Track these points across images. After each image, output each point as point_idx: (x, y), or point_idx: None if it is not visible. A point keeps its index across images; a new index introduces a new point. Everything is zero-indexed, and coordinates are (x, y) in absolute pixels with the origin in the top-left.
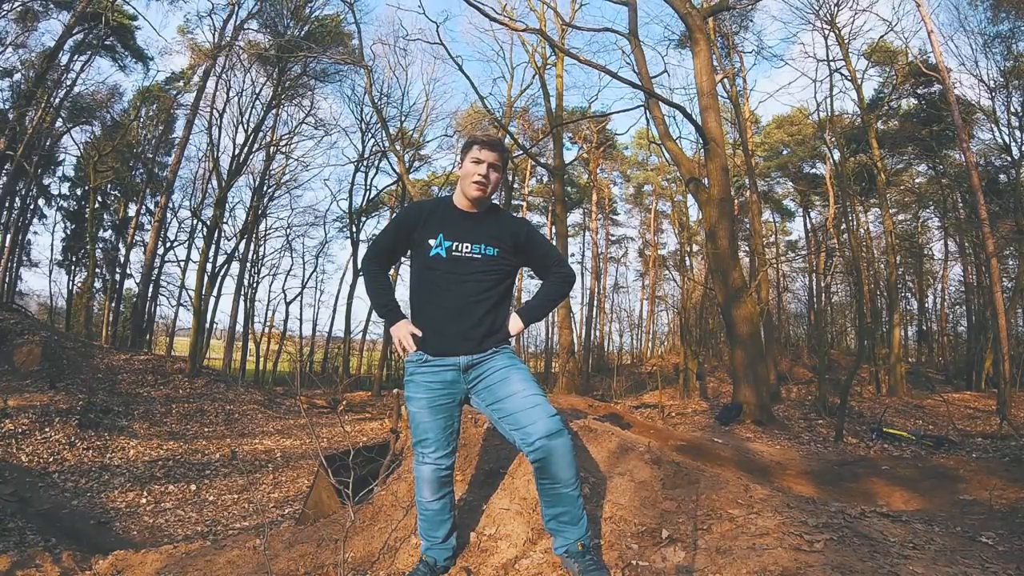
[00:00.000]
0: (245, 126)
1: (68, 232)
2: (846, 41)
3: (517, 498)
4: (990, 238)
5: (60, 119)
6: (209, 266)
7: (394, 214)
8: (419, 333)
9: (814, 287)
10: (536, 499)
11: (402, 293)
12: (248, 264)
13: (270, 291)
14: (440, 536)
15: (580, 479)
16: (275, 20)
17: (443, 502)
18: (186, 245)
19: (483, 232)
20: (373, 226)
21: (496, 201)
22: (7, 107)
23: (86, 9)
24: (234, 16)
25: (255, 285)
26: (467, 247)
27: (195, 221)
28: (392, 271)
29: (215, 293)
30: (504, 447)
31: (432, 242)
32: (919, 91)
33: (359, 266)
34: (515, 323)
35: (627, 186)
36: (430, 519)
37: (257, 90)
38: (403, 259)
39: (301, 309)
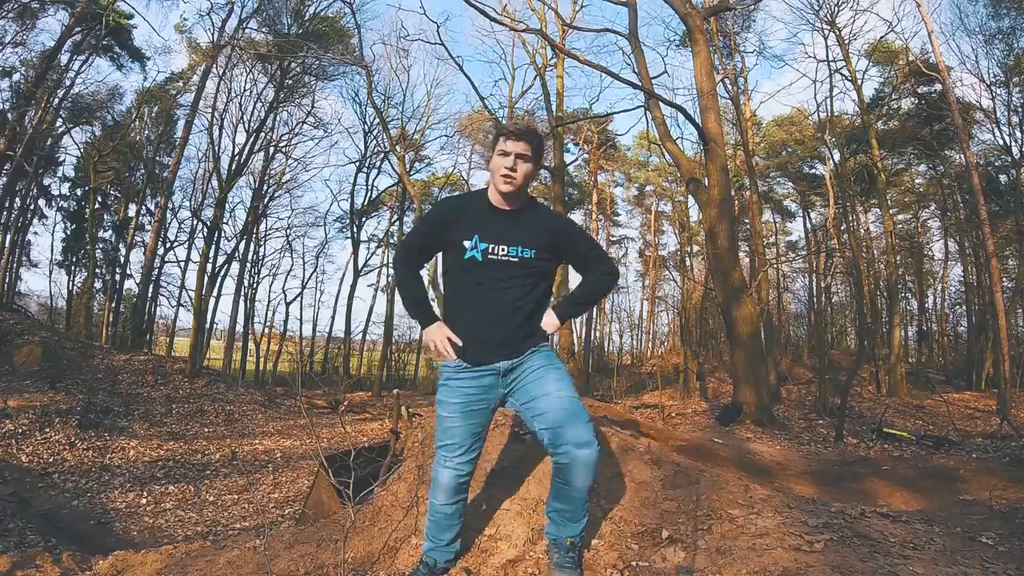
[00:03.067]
0: (246, 126)
1: (68, 232)
2: (846, 41)
3: (517, 498)
4: (990, 238)
5: (60, 119)
6: (209, 266)
7: (394, 213)
8: (457, 341)
9: (814, 287)
10: (537, 499)
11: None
12: (248, 264)
13: (270, 291)
14: (446, 539)
15: (593, 488)
16: (274, 19)
17: (456, 507)
18: (186, 245)
19: (520, 232)
20: (373, 227)
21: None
22: (7, 107)
23: (86, 9)
24: (233, 15)
25: (255, 285)
26: (503, 249)
27: (195, 221)
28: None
29: (215, 293)
30: (505, 447)
31: (467, 243)
32: (919, 91)
33: (359, 267)
34: (550, 320)
35: (628, 186)
36: (439, 522)
37: (259, 90)
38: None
39: (301, 309)
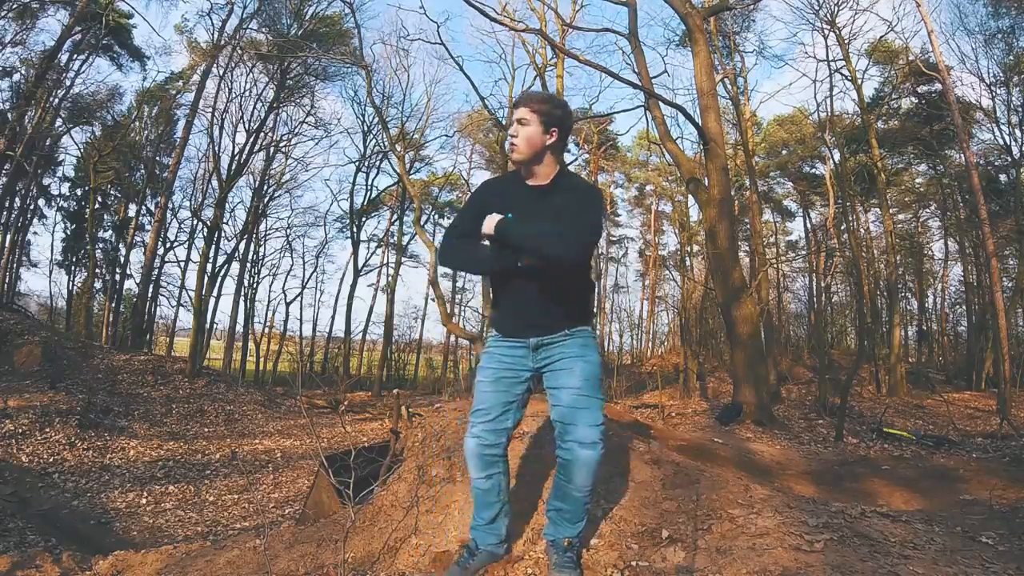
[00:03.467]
0: (247, 126)
1: (68, 232)
2: (846, 41)
3: (517, 498)
4: (990, 238)
5: (60, 119)
6: (209, 266)
7: (394, 213)
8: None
9: (814, 287)
10: (537, 499)
11: (403, 294)
12: (248, 264)
13: (270, 291)
14: (486, 518)
15: (594, 491)
16: (275, 19)
17: (492, 482)
18: (186, 245)
19: (547, 209)
20: (373, 226)
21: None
22: (7, 107)
23: (85, 9)
24: (233, 16)
25: (255, 285)
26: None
27: (195, 221)
28: (392, 275)
29: (215, 293)
30: (508, 447)
31: None
32: (919, 91)
33: (359, 266)
34: (488, 222)
35: (628, 187)
36: (477, 498)
37: (259, 90)
38: (406, 260)
39: (301, 309)
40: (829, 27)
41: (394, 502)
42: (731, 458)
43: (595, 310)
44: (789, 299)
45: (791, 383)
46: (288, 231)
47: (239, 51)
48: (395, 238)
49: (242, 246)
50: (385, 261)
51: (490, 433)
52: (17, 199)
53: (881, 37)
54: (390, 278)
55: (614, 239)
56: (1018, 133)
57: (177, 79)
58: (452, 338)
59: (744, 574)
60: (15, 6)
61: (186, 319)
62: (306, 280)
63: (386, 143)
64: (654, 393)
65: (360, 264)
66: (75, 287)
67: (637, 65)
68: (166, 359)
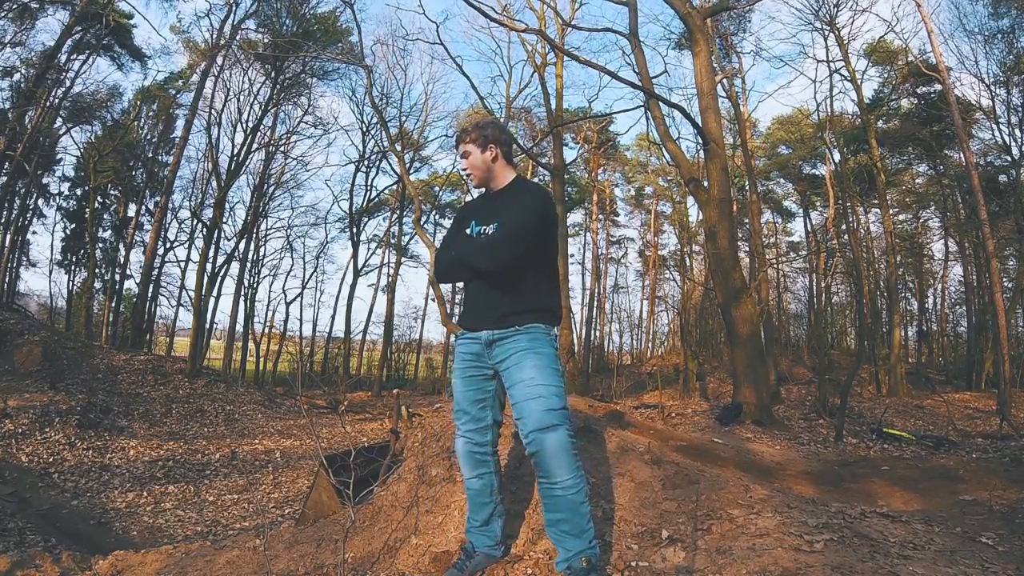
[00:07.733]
0: (244, 126)
1: (68, 232)
2: (846, 42)
3: (517, 498)
4: (990, 238)
5: (60, 119)
6: (209, 266)
7: (394, 213)
8: None
9: (814, 287)
10: (537, 499)
11: (403, 294)
12: (248, 264)
13: (270, 291)
14: (480, 520)
15: (585, 485)
16: (273, 19)
17: (483, 482)
18: (186, 245)
19: (501, 209)
20: (374, 227)
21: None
22: (7, 107)
23: (86, 8)
24: (231, 16)
25: (255, 285)
26: (490, 228)
27: (195, 221)
28: (392, 275)
29: (215, 293)
30: (504, 447)
31: (467, 230)
32: (919, 91)
33: (359, 267)
34: None
35: (628, 188)
36: (470, 499)
37: (255, 89)
38: (406, 260)
39: (301, 309)
40: (829, 28)
41: (394, 502)
42: (731, 458)
43: (559, 312)
44: (789, 299)
45: (791, 383)
46: (288, 231)
47: (236, 51)
48: (395, 238)
49: (242, 246)
50: (385, 261)
51: (475, 433)
52: (17, 199)
53: (881, 37)
54: (390, 278)
55: (614, 239)
56: (1018, 133)
57: (177, 79)
58: (452, 338)
59: (744, 574)
60: (15, 6)
61: (186, 319)
62: (306, 280)
63: (385, 142)
64: (654, 393)
65: (360, 264)
66: (75, 287)
67: (637, 65)
68: (166, 359)
